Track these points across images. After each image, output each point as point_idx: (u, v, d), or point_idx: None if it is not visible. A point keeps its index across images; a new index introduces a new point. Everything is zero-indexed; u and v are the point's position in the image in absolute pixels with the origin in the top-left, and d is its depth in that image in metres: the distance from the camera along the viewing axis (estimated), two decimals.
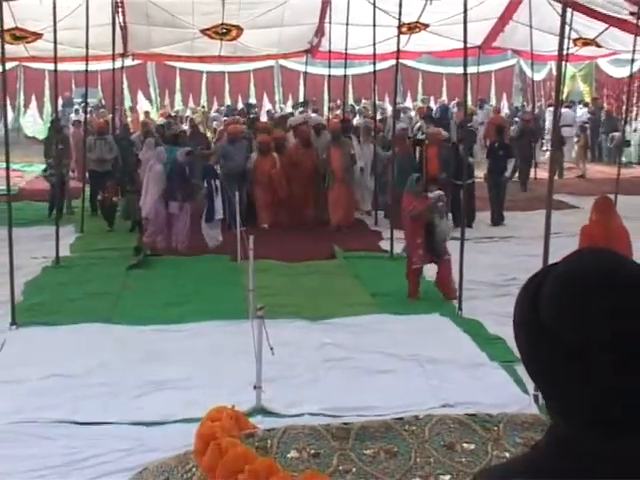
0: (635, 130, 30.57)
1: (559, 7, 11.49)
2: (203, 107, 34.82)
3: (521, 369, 8.90)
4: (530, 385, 8.64)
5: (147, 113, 31.87)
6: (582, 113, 31.83)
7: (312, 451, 4.35)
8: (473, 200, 18.14)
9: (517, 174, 23.94)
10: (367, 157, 19.69)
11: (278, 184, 18.72)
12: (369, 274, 14.93)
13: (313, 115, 26.05)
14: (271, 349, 8.65)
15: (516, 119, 30.73)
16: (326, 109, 30.17)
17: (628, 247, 10.74)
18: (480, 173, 21.52)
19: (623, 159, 24.78)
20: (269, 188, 18.77)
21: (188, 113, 31.27)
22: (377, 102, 31.48)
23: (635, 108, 30.41)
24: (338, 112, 28.13)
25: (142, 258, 15.91)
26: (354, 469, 4.25)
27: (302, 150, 19.38)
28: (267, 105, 36.03)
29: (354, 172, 19.36)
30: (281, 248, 16.40)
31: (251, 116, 26.90)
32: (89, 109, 26.54)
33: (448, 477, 4.17)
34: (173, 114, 30.20)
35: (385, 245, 16.72)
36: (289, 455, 4.34)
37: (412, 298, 13.13)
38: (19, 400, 9.08)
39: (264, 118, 29.34)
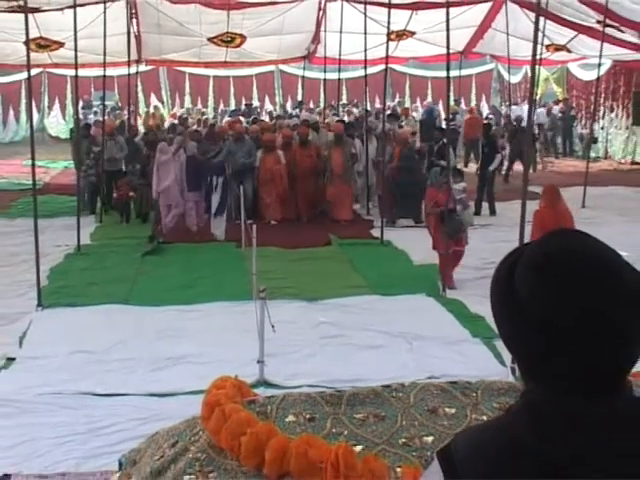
0: (602, 127, 30.55)
1: (533, 16, 11.48)
2: (198, 109, 34.70)
3: (500, 344, 8.91)
4: (508, 358, 8.66)
5: (154, 115, 31.77)
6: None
7: (308, 416, 4.37)
8: None
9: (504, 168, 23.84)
10: (371, 153, 19.47)
11: (279, 180, 18.27)
12: (362, 259, 14.94)
13: (307, 115, 25.96)
14: (272, 327, 8.66)
15: (490, 116, 30.77)
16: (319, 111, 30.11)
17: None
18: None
19: (592, 154, 24.82)
20: (272, 184, 18.32)
21: (183, 114, 31.07)
22: (353, 103, 31.45)
23: (602, 108, 30.38)
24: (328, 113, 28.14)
25: (156, 245, 15.94)
26: (346, 432, 4.27)
27: (300, 148, 18.91)
28: (268, 106, 35.97)
29: (354, 171, 19.04)
30: (281, 236, 16.41)
31: (252, 117, 26.80)
32: (107, 111, 26.44)
33: (431, 438, 4.19)
34: (185, 116, 30.07)
35: (376, 233, 16.75)
36: (287, 419, 4.36)
37: (448, 284, 12.70)
38: (46, 374, 9.11)
39: (265, 118, 29.22)
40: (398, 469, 4.04)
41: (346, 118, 25.88)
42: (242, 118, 25.50)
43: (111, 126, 20.67)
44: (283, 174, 18.26)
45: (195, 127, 23.04)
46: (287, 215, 18.52)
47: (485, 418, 4.21)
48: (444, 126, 21.18)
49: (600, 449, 1.63)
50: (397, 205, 18.20)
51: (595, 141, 28.33)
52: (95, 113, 31.53)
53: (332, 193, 18.63)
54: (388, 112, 23.98)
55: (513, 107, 30.60)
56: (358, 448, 4.15)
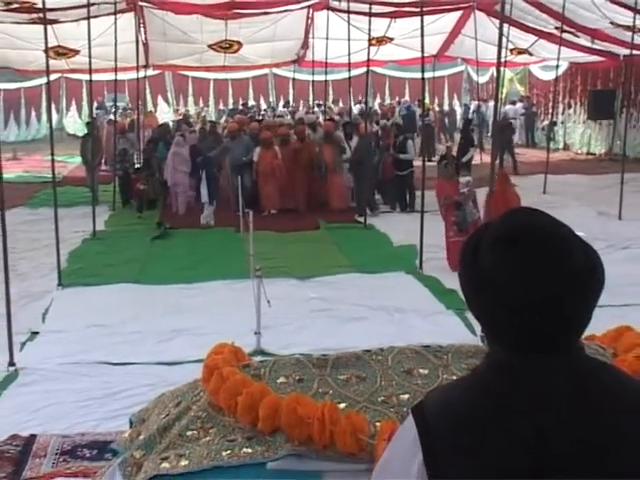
0: (562, 122, 30.63)
1: (498, 23, 11.48)
2: (200, 109, 34.61)
3: (471, 316, 8.89)
4: (478, 328, 8.66)
5: (151, 112, 31.68)
6: (518, 107, 32.23)
7: (297, 377, 4.38)
8: (412, 186, 17.94)
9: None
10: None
11: (278, 173, 17.89)
12: (347, 241, 14.98)
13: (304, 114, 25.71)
14: (268, 302, 8.67)
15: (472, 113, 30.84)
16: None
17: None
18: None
19: (552, 146, 24.84)
20: (271, 177, 17.92)
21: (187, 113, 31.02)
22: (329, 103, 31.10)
23: (561, 104, 30.43)
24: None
25: (163, 231, 15.97)
26: (331, 391, 4.28)
27: (299, 144, 18.54)
28: (263, 105, 35.97)
29: (343, 162, 18.44)
30: (275, 223, 16.43)
31: (249, 115, 26.70)
32: (119, 111, 26.35)
33: (407, 396, 4.21)
34: (186, 113, 30.01)
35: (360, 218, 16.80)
36: (278, 381, 4.37)
37: (452, 268, 12.07)
38: (67, 346, 9.11)
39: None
40: (377, 424, 4.06)
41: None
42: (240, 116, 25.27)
43: (123, 125, 20.53)
44: (282, 168, 17.90)
45: (199, 126, 22.93)
46: (286, 205, 18.19)
47: (455, 378, 4.22)
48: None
49: (554, 404, 1.66)
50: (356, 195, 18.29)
51: (555, 124, 28.33)
52: (114, 113, 31.40)
53: (328, 185, 18.32)
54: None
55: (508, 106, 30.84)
56: (342, 405, 4.16)
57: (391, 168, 18.17)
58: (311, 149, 18.52)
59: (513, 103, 32.24)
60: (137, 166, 18.98)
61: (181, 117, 27.70)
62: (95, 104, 31.05)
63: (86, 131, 20.46)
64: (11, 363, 8.41)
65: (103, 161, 21.25)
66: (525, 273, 1.67)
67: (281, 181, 17.94)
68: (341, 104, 31.32)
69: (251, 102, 35.69)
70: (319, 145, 18.56)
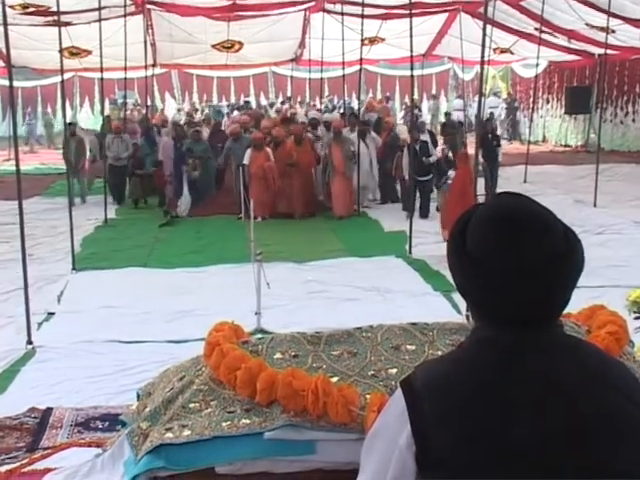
0: (541, 116, 30.64)
1: (482, 24, 11.47)
2: (203, 106, 34.43)
3: (456, 296, 8.91)
4: (463, 308, 8.66)
5: (162, 110, 31.48)
6: (498, 102, 32.36)
7: (292, 353, 4.36)
8: (428, 194, 15.44)
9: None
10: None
11: (270, 177, 15.84)
12: (341, 228, 15.02)
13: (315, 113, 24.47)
14: (268, 285, 8.67)
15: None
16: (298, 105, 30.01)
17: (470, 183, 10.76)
18: None
19: (532, 139, 24.82)
20: (262, 181, 15.85)
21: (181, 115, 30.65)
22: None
23: (540, 100, 30.43)
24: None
25: (169, 219, 15.95)
26: (324, 366, 4.27)
27: (296, 146, 16.31)
28: (263, 102, 35.89)
29: (353, 166, 16.27)
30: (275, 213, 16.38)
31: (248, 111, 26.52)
32: (130, 107, 26.24)
33: (395, 370, 4.20)
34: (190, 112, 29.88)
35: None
36: (275, 356, 4.35)
37: None
38: (80, 325, 9.10)
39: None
40: (367, 396, 4.05)
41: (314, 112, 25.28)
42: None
43: (117, 125, 19.39)
44: (274, 170, 15.91)
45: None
46: (280, 210, 16.21)
47: (440, 353, 4.20)
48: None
49: (535, 378, 1.66)
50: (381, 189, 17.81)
51: (515, 121, 28.29)
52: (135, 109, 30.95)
53: (334, 189, 16.28)
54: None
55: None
56: (334, 379, 4.15)
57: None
58: (309, 149, 16.74)
59: (495, 94, 32.34)
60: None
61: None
62: (107, 100, 31.01)
63: (102, 128, 20.01)
64: (29, 342, 8.40)
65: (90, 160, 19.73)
66: (509, 250, 1.66)
67: (274, 185, 15.98)
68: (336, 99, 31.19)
69: (251, 98, 35.66)
70: (328, 145, 16.58)
